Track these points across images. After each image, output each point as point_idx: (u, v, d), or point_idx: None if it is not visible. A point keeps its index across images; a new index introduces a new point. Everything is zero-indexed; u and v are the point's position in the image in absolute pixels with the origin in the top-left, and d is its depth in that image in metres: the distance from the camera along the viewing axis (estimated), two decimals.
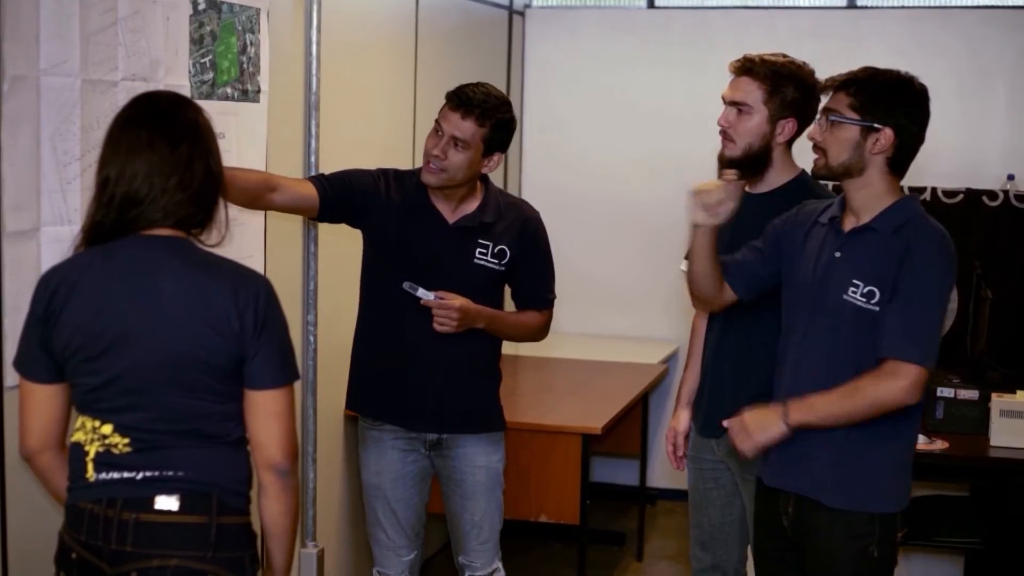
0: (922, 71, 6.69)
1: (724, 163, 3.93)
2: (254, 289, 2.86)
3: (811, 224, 3.64)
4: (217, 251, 2.92)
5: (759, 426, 3.49)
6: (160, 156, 2.81)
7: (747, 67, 3.92)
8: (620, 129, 7.23)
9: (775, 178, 3.97)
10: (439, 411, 4.25)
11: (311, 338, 4.81)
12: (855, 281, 3.44)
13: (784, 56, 3.93)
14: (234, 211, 3.95)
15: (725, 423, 3.57)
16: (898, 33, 6.84)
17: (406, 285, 4.07)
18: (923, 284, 3.38)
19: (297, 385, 4.71)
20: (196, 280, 2.83)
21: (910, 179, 5.94)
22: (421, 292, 4.06)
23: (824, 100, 3.59)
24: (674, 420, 4.28)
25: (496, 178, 5.05)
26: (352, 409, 4.44)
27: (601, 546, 6.59)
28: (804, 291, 3.58)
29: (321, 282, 4.82)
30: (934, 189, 5.97)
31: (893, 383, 3.36)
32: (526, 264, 4.27)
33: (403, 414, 4.27)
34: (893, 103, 3.46)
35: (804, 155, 3.95)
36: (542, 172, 7.37)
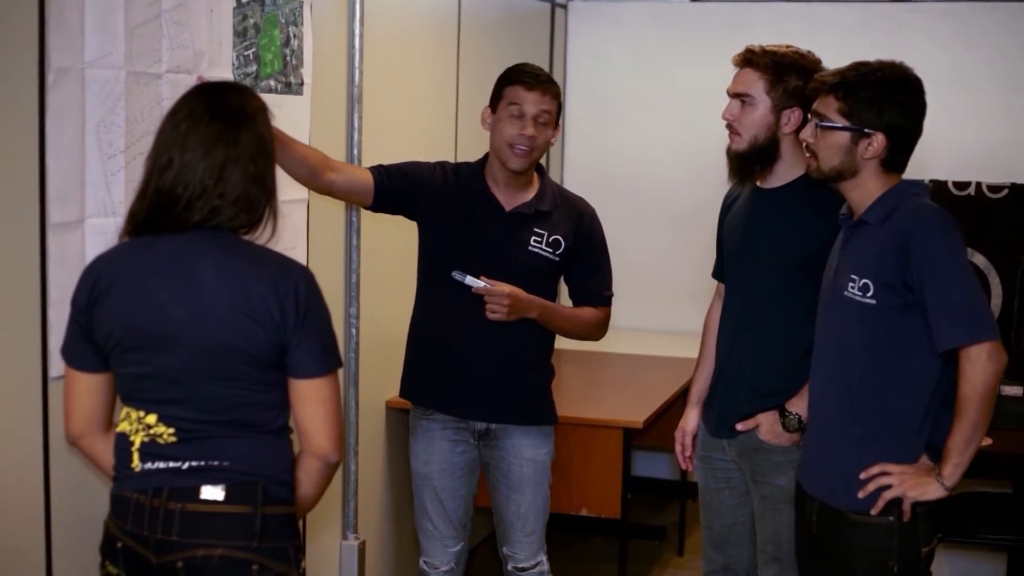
0: (966, 65, 6.72)
1: (732, 157, 3.92)
2: (294, 278, 2.86)
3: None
4: (260, 240, 2.93)
5: (914, 483, 3.35)
6: (194, 156, 2.81)
7: (748, 58, 3.88)
8: (663, 123, 7.20)
9: (786, 172, 3.91)
10: (488, 400, 4.25)
11: (353, 330, 4.81)
12: (852, 276, 3.39)
13: (788, 46, 3.89)
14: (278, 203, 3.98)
15: (883, 488, 3.40)
16: (942, 27, 6.78)
17: (455, 274, 4.08)
18: (939, 267, 3.26)
19: (339, 377, 4.76)
20: (236, 270, 2.83)
21: (955, 175, 5.99)
22: (469, 280, 4.07)
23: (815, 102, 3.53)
24: (683, 420, 4.24)
25: None
26: (404, 397, 4.45)
27: (642, 540, 6.60)
28: (825, 288, 3.56)
29: (363, 274, 4.83)
30: (978, 184, 5.92)
31: (976, 369, 3.25)
32: (581, 258, 4.28)
33: (452, 402, 4.28)
34: (884, 105, 3.36)
35: None
36: (585, 166, 7.35)
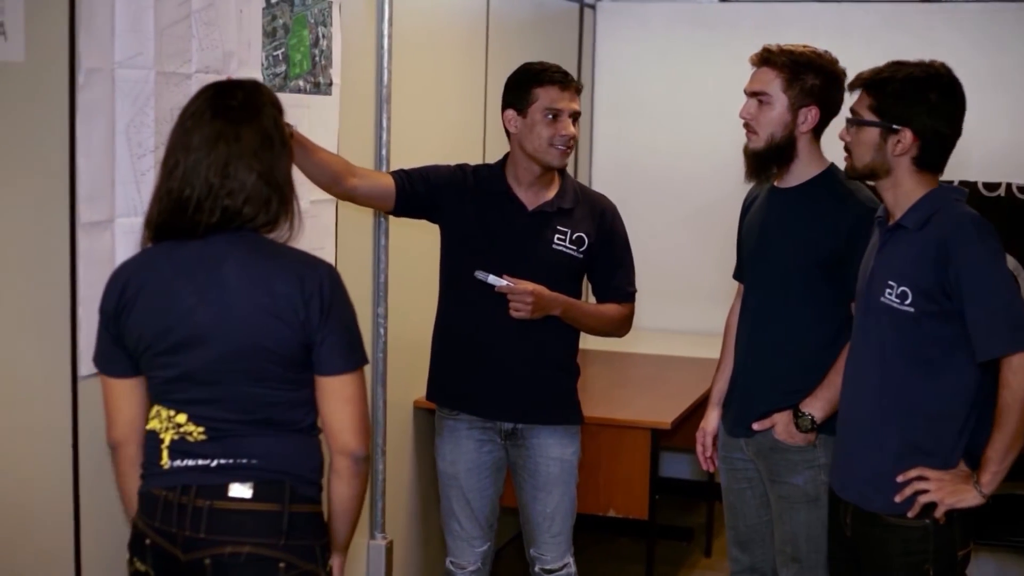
0: (995, 65, 6.69)
1: (749, 156, 3.92)
2: (318, 276, 2.86)
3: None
4: (289, 241, 2.93)
5: (952, 490, 3.33)
6: (198, 156, 2.82)
7: (765, 57, 3.89)
8: (692, 124, 7.17)
9: (803, 171, 3.92)
10: (514, 400, 4.25)
11: (381, 331, 4.82)
12: (890, 282, 3.36)
13: (805, 46, 3.89)
14: (305, 203, 3.99)
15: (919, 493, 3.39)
16: (971, 27, 6.74)
17: (478, 274, 4.09)
18: (978, 276, 3.25)
19: (367, 377, 4.76)
20: (260, 271, 2.84)
21: (985, 175, 5.96)
22: (492, 279, 4.08)
23: (851, 99, 3.53)
24: (704, 420, 4.25)
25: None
26: (430, 399, 4.46)
27: (669, 541, 6.58)
28: (860, 290, 3.55)
29: (391, 274, 4.83)
30: (1008, 184, 5.90)
31: (1018, 378, 3.22)
32: (604, 254, 4.27)
33: (479, 403, 4.29)
34: (913, 102, 3.34)
35: (831, 148, 3.93)
36: (614, 165, 7.34)
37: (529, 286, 4.08)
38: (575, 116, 4.15)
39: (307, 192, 4.12)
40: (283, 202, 2.90)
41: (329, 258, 4.35)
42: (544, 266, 4.17)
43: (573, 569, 4.43)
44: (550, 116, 4.11)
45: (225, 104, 2.87)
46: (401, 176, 4.16)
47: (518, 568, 4.94)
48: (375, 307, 4.80)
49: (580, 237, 4.21)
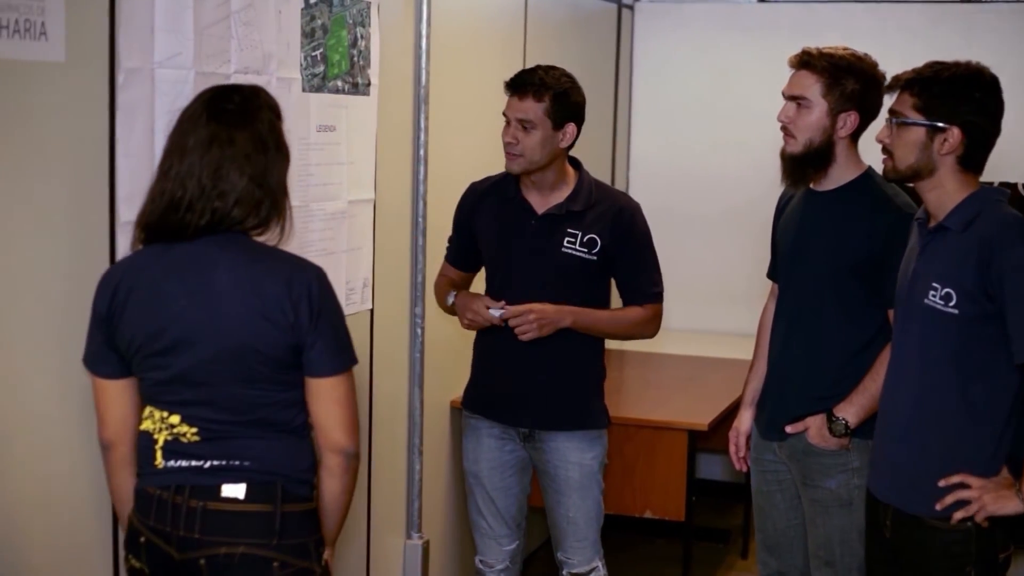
0: None
1: (786, 160, 3.89)
2: (307, 279, 2.89)
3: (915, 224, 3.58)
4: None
5: (994, 496, 3.29)
6: (192, 158, 2.84)
7: (805, 60, 3.84)
8: (729, 124, 7.14)
9: (840, 175, 3.88)
10: (525, 405, 4.25)
11: (418, 331, 4.82)
12: (934, 284, 3.33)
13: (845, 48, 3.85)
14: (344, 204, 3.99)
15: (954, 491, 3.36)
16: (1010, 27, 6.70)
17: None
18: (1020, 277, 3.21)
19: (404, 377, 4.78)
20: (250, 273, 2.87)
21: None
22: (490, 313, 4.12)
23: (890, 101, 3.50)
24: (737, 420, 4.22)
25: (604, 175, 5.02)
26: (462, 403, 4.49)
27: (706, 543, 6.56)
28: (900, 292, 3.51)
29: (429, 275, 4.83)
30: None
31: None
32: (623, 256, 4.23)
33: (494, 407, 4.31)
34: (959, 100, 3.31)
35: (869, 152, 3.91)
36: (652, 166, 7.33)
37: (526, 306, 4.10)
38: (521, 123, 4.10)
39: (345, 192, 4.13)
40: (275, 205, 2.93)
41: (367, 258, 4.36)
42: (555, 270, 4.16)
43: (603, 572, 4.41)
44: (506, 120, 4.14)
45: (221, 107, 2.89)
46: (456, 260, 4.43)
47: (551, 571, 4.94)
48: (412, 307, 4.81)
49: (592, 239, 4.17)
